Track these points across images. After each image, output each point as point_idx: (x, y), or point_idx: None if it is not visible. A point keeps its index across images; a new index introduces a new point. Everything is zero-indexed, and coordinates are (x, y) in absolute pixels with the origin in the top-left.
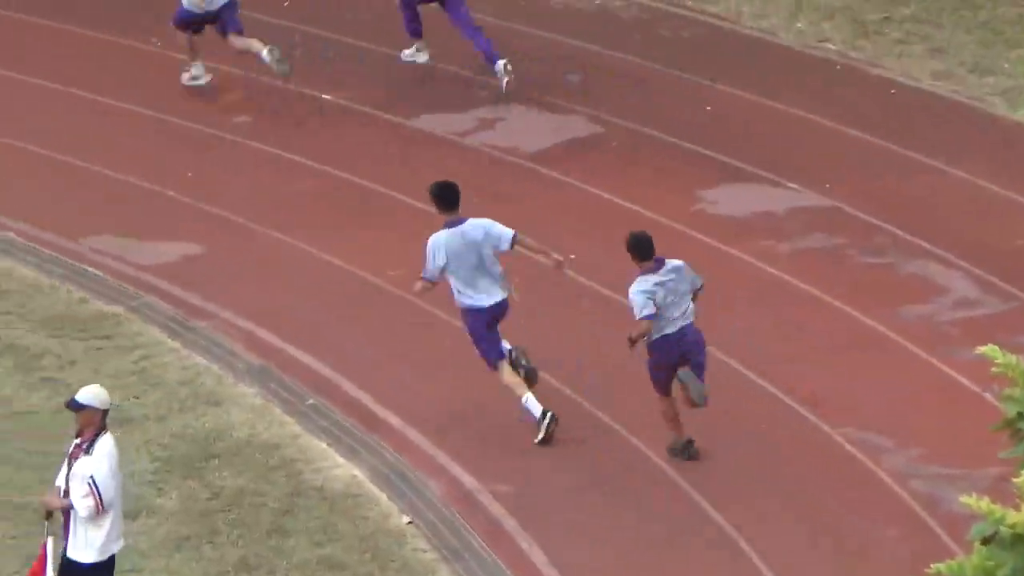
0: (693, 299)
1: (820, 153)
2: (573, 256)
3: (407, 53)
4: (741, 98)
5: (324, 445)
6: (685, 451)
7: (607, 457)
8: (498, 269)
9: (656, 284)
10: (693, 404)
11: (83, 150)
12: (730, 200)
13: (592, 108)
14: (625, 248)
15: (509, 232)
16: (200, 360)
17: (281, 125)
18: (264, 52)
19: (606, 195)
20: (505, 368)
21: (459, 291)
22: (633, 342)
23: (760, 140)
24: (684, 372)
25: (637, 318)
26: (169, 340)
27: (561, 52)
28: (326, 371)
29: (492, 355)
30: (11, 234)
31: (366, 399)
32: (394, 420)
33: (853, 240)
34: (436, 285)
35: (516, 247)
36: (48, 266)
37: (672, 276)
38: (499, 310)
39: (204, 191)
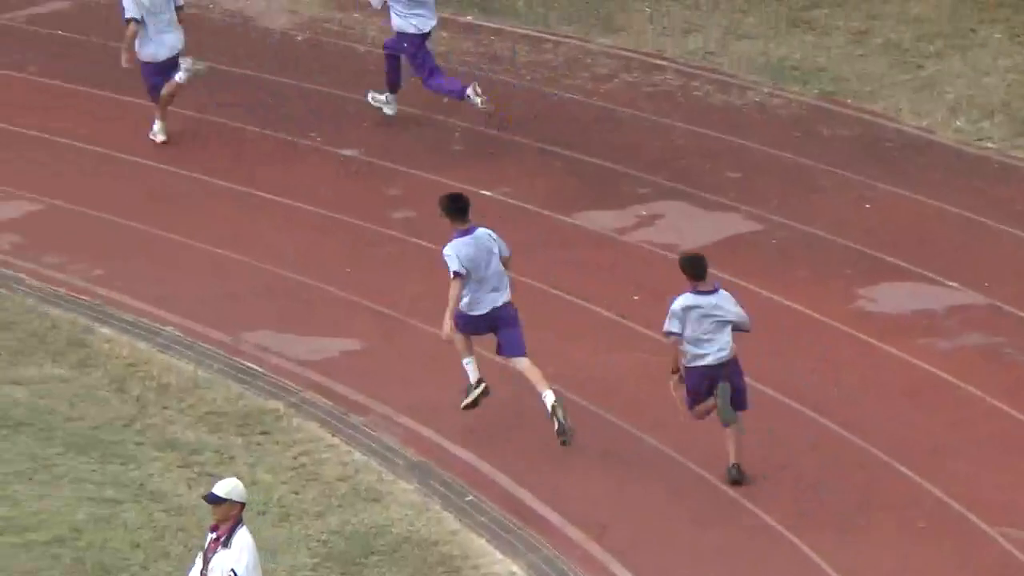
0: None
1: (979, 252)
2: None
3: (376, 97)
4: (900, 196)
5: (483, 542)
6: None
7: None
8: (505, 277)
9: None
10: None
11: (243, 245)
12: (888, 298)
13: (751, 205)
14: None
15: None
16: (359, 456)
17: (443, 221)
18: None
19: (764, 293)
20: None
21: (463, 296)
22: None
23: (919, 238)
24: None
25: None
26: (328, 436)
27: (721, 149)
28: (485, 467)
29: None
30: (172, 329)
31: (525, 496)
32: (553, 517)
33: (1012, 339)
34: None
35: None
36: (208, 361)
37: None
38: (502, 312)
39: (364, 287)
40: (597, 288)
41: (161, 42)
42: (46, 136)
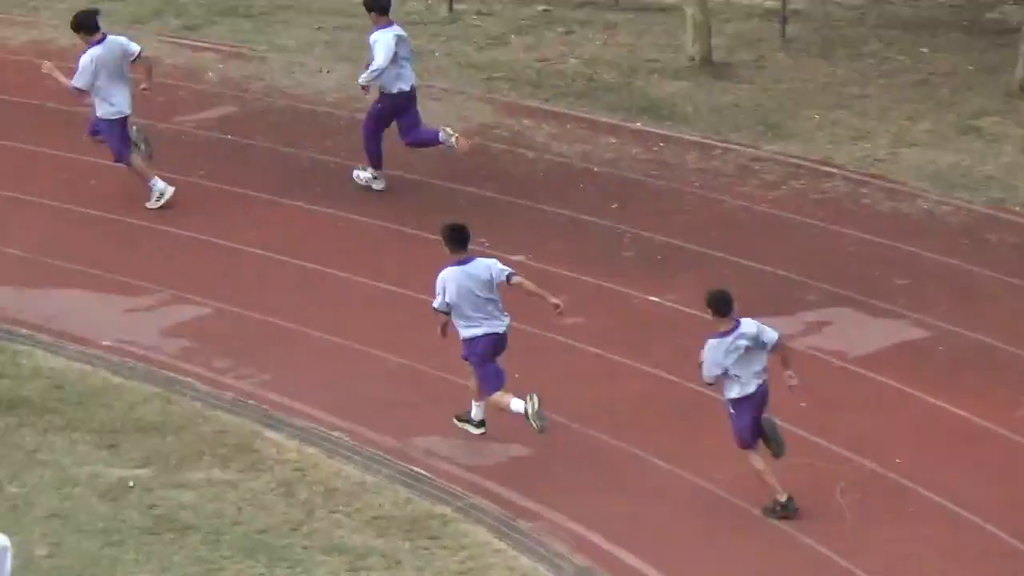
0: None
1: None
2: (898, 460)
3: (363, 175)
4: None
5: None
6: (785, 509)
7: None
8: (499, 305)
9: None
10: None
11: (413, 351)
12: None
13: (919, 312)
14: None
15: (507, 269)
16: (526, 561)
17: (611, 328)
18: (154, 182)
19: (931, 399)
20: (498, 395)
21: (460, 324)
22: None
23: None
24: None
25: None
26: (495, 541)
27: (889, 256)
28: (652, 574)
29: (491, 383)
30: (340, 434)
31: None
32: None
33: None
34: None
35: (513, 281)
36: (376, 466)
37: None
38: (495, 341)
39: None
40: None
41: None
42: (213, 240)
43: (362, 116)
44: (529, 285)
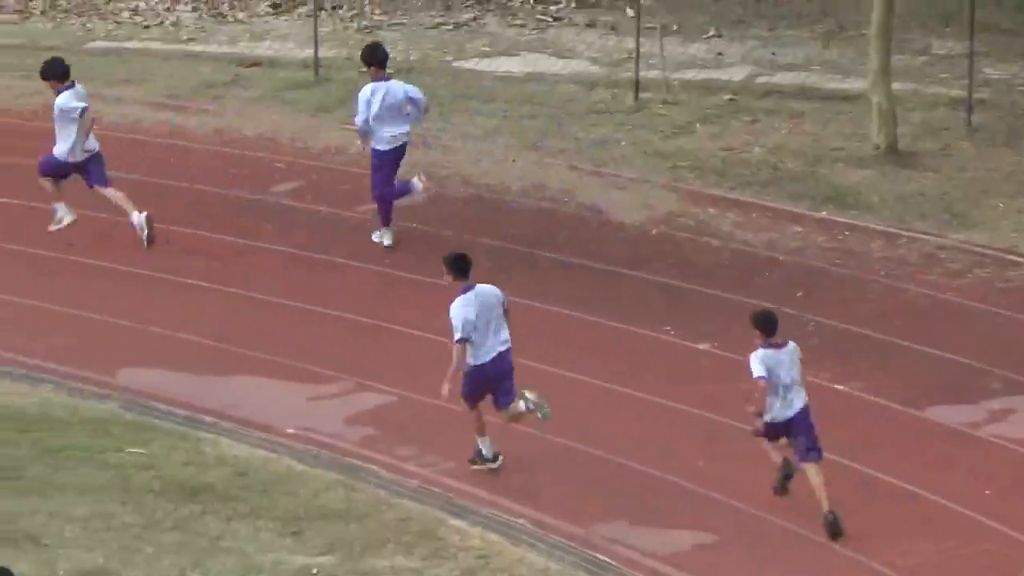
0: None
1: None
2: None
3: (376, 235)
4: None
5: None
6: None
7: None
8: (505, 332)
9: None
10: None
11: (594, 437)
12: None
13: None
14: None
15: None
16: None
17: None
18: (134, 216)
19: None
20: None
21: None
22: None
23: None
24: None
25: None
26: None
27: None
28: None
29: (472, 400)
30: (524, 521)
31: None
32: None
33: None
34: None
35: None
36: (559, 553)
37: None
38: (501, 364)
39: (717, 479)
40: (947, 482)
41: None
42: (396, 328)
43: (548, 204)
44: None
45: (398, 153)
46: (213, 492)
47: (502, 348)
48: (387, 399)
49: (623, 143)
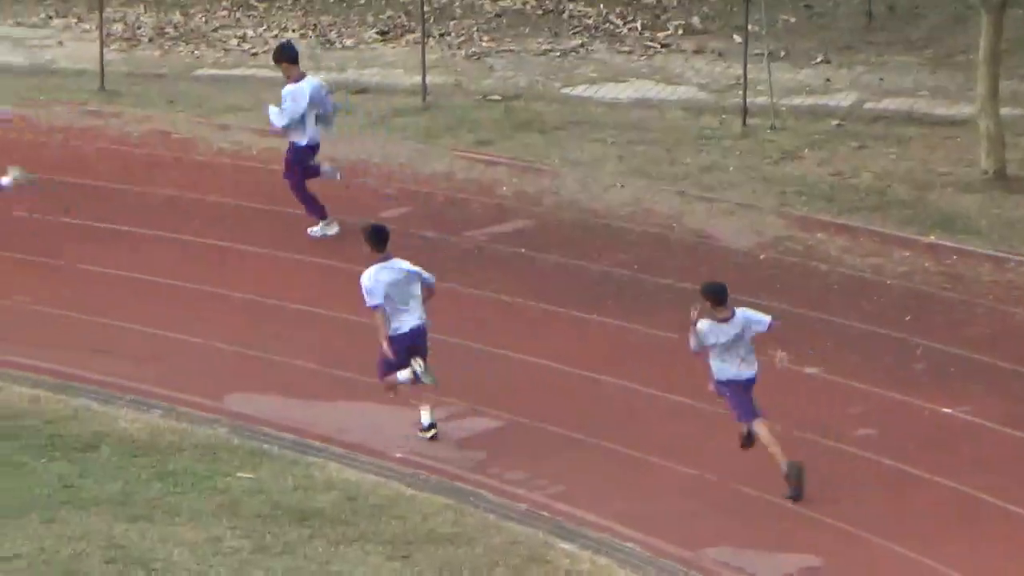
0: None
1: None
2: None
3: (315, 231)
4: None
5: None
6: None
7: None
8: (421, 309)
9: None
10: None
11: (702, 461)
12: None
13: None
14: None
15: (427, 273)
16: None
17: (903, 440)
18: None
19: None
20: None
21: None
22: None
23: None
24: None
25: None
26: None
27: None
28: None
29: (386, 370)
30: (632, 545)
31: None
32: None
33: None
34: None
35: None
36: None
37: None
38: (417, 335)
39: (824, 502)
40: None
41: None
42: (506, 353)
43: (656, 230)
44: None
45: (316, 149)
46: (322, 516)
47: (419, 322)
48: (496, 423)
49: (731, 169)
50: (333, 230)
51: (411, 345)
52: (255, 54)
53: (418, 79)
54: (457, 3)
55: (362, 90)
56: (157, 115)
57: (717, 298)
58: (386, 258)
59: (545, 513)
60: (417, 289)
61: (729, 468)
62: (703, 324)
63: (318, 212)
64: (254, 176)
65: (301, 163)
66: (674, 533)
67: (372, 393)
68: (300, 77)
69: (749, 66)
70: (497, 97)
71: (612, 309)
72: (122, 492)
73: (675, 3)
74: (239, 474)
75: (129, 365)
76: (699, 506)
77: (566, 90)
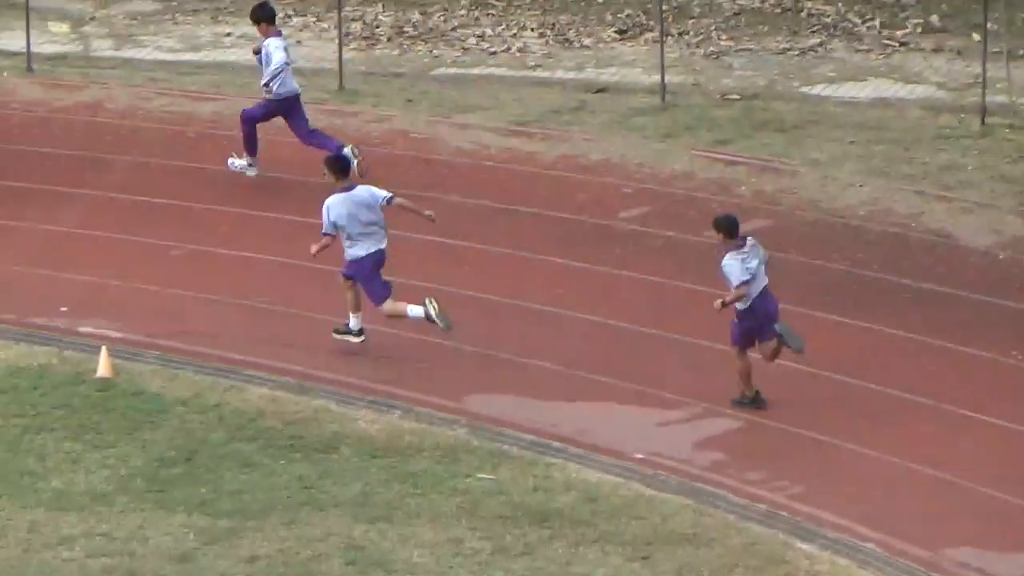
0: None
1: None
2: None
3: (237, 163)
4: None
5: None
6: (754, 403)
7: None
8: (382, 225)
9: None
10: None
11: (944, 462)
12: None
13: None
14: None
15: (387, 193)
16: None
17: None
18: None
19: None
20: (389, 303)
21: (347, 245)
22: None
23: None
24: (781, 325)
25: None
26: None
27: None
28: None
29: (379, 293)
30: (872, 545)
31: None
32: None
33: None
34: (334, 240)
35: (394, 203)
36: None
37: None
38: (379, 257)
39: None
40: None
41: None
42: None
43: (895, 229)
44: (408, 204)
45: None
46: (562, 517)
47: (381, 246)
48: (736, 423)
49: (969, 168)
50: (252, 172)
51: (376, 263)
52: (494, 53)
53: (657, 78)
54: (696, 1)
55: (601, 89)
56: (396, 114)
57: (731, 230)
58: (349, 188)
59: (784, 514)
60: (378, 214)
61: (974, 471)
62: (731, 258)
63: (250, 150)
64: (494, 175)
65: (266, 115)
66: (915, 534)
67: (613, 394)
68: (277, 35)
69: (988, 64)
70: (736, 96)
71: (853, 309)
72: (361, 493)
73: (913, 1)
74: (479, 475)
75: (367, 366)
76: (941, 508)
77: (805, 89)
